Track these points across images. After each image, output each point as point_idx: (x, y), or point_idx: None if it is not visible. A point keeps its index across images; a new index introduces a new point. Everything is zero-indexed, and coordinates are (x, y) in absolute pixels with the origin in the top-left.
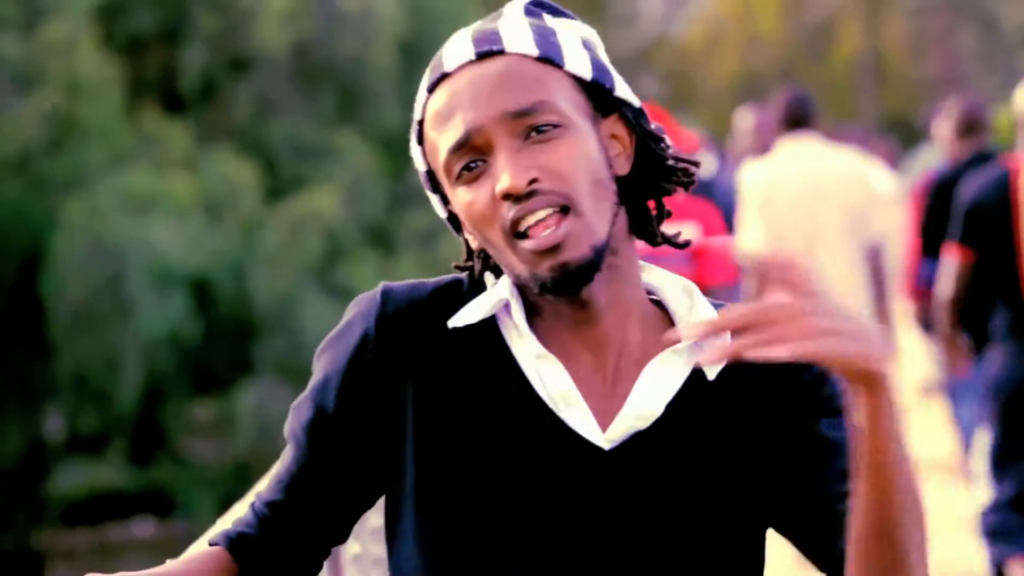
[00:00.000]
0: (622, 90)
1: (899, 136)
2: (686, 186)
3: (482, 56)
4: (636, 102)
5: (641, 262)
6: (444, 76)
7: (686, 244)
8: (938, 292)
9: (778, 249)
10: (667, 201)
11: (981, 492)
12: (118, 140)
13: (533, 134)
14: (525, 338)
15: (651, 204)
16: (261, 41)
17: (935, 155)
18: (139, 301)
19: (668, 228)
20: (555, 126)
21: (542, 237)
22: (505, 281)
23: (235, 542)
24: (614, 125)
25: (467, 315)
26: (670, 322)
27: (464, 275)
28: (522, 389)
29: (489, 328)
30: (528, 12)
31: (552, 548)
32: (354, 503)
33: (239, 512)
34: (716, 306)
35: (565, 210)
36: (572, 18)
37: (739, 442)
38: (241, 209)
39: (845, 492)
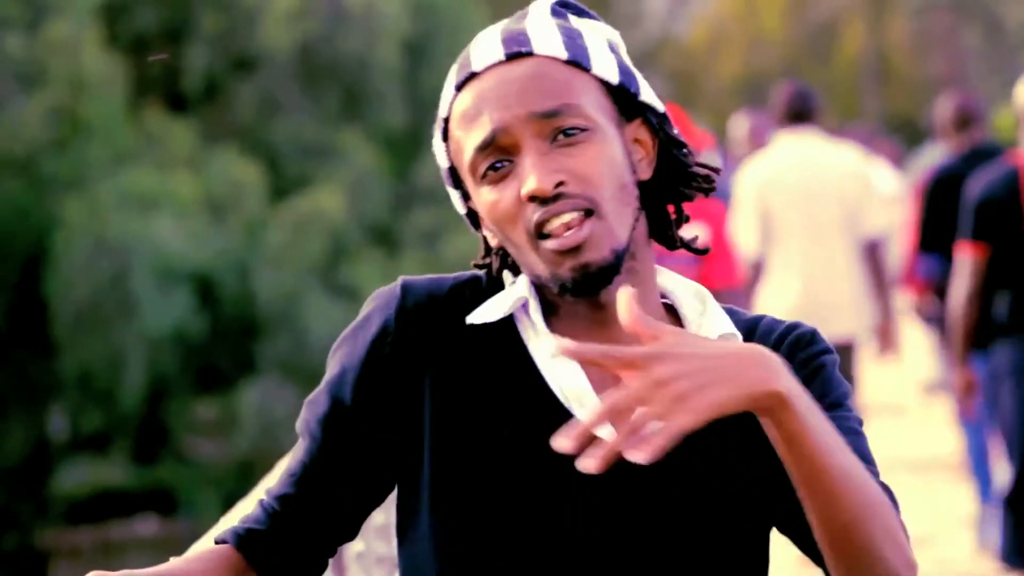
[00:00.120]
0: (647, 95)
1: (903, 136)
2: (706, 192)
3: (511, 57)
4: (660, 107)
5: (655, 265)
6: (472, 76)
7: (705, 251)
8: (953, 294)
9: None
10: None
11: (1002, 474)
12: (122, 139)
13: (560, 136)
14: (542, 337)
15: (670, 208)
16: (265, 40)
17: (939, 154)
18: (142, 300)
19: (683, 231)
20: (582, 129)
21: (564, 237)
22: (523, 280)
23: (243, 538)
24: (638, 129)
25: (486, 312)
26: (682, 326)
27: (482, 272)
28: (537, 387)
29: (506, 326)
30: (554, 13)
31: (563, 545)
32: (366, 498)
33: (243, 511)
34: (728, 312)
35: (589, 213)
36: (596, 19)
37: (742, 441)
38: (245, 208)
39: None
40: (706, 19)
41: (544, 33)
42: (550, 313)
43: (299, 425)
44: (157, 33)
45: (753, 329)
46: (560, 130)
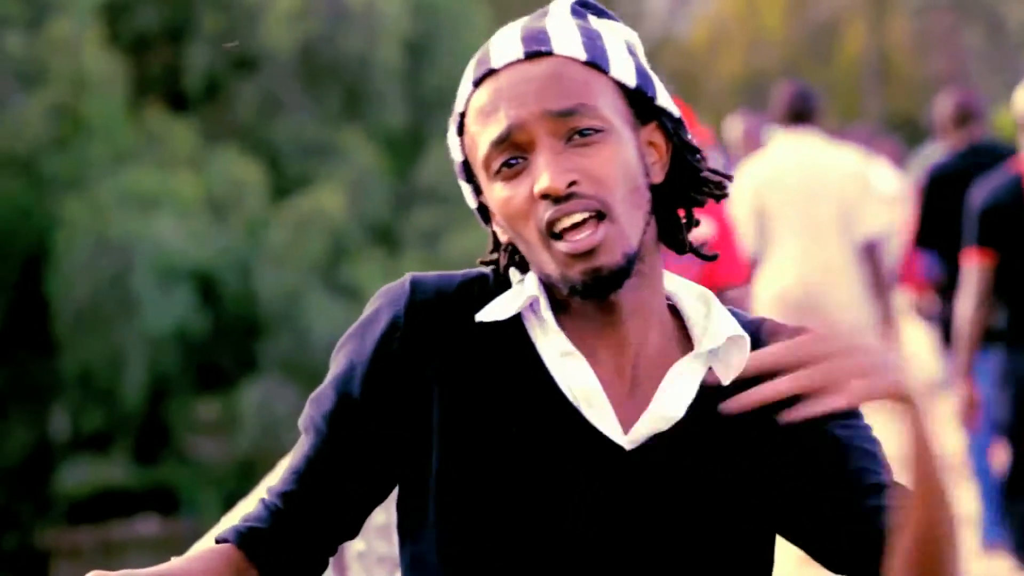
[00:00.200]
0: (663, 99)
1: (904, 135)
2: (718, 198)
3: (530, 56)
4: (676, 111)
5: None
6: (491, 72)
7: (713, 256)
8: (960, 303)
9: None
10: None
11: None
12: (123, 138)
13: (575, 137)
14: (552, 335)
15: (680, 212)
16: (266, 40)
17: (940, 153)
18: (143, 300)
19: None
20: (597, 130)
21: (577, 240)
22: (533, 278)
23: (245, 536)
24: (652, 133)
25: (496, 310)
26: (684, 328)
27: (489, 270)
28: (545, 386)
29: (513, 324)
30: (574, 12)
31: (571, 544)
32: (370, 495)
33: (244, 510)
34: (733, 314)
35: (600, 216)
36: (615, 20)
37: (753, 445)
38: (246, 208)
39: (860, 491)
40: (707, 19)
41: (564, 33)
42: (559, 311)
43: (303, 422)
44: (158, 32)
45: (757, 331)
46: (575, 130)
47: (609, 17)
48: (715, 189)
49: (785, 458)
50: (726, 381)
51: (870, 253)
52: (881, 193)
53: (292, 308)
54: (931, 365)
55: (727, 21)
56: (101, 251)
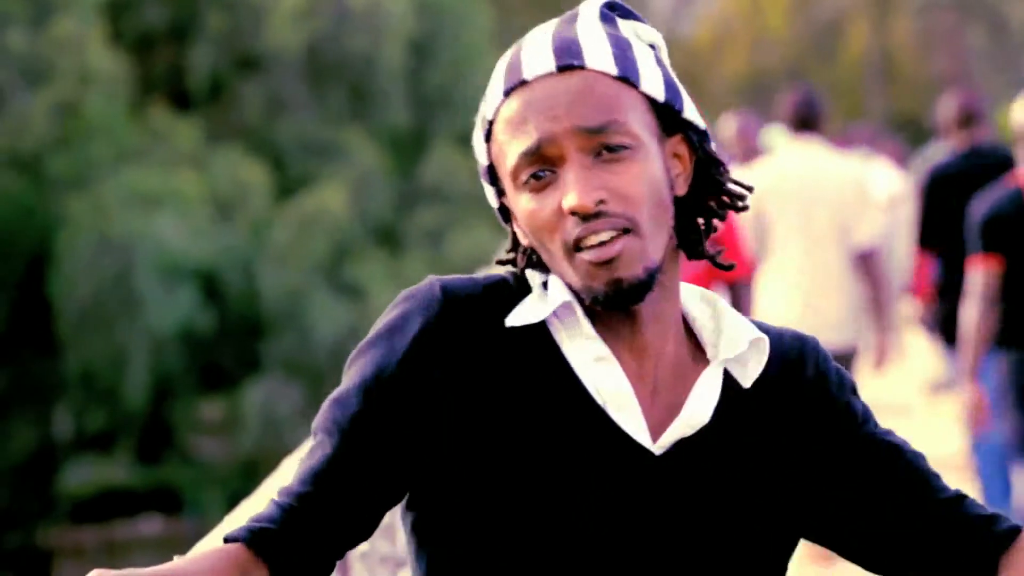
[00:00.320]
0: (690, 112)
1: (907, 135)
2: (739, 211)
3: (563, 69)
4: (702, 124)
5: None
6: (522, 83)
7: (731, 266)
8: (966, 310)
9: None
10: None
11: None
12: (126, 137)
13: (604, 152)
14: (586, 340)
15: (699, 221)
16: (270, 39)
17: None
18: (147, 299)
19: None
20: (626, 147)
21: (599, 249)
22: (559, 283)
23: (256, 535)
24: (678, 145)
25: (526, 314)
26: (692, 332)
27: (508, 272)
28: (574, 390)
29: (538, 328)
30: (603, 17)
31: (599, 549)
32: (388, 498)
33: (248, 510)
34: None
35: (626, 231)
36: (641, 20)
37: (779, 449)
38: (250, 207)
39: (927, 491)
40: (710, 18)
41: (595, 44)
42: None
43: (322, 423)
44: (163, 31)
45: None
46: (605, 146)
47: (635, 18)
48: (737, 201)
49: (814, 460)
50: (747, 384)
51: (867, 261)
52: (879, 201)
53: (295, 308)
54: (936, 371)
55: (731, 20)
56: (104, 250)
